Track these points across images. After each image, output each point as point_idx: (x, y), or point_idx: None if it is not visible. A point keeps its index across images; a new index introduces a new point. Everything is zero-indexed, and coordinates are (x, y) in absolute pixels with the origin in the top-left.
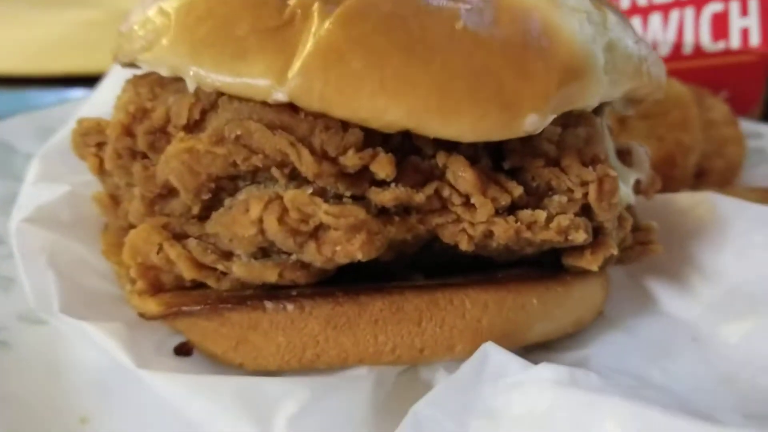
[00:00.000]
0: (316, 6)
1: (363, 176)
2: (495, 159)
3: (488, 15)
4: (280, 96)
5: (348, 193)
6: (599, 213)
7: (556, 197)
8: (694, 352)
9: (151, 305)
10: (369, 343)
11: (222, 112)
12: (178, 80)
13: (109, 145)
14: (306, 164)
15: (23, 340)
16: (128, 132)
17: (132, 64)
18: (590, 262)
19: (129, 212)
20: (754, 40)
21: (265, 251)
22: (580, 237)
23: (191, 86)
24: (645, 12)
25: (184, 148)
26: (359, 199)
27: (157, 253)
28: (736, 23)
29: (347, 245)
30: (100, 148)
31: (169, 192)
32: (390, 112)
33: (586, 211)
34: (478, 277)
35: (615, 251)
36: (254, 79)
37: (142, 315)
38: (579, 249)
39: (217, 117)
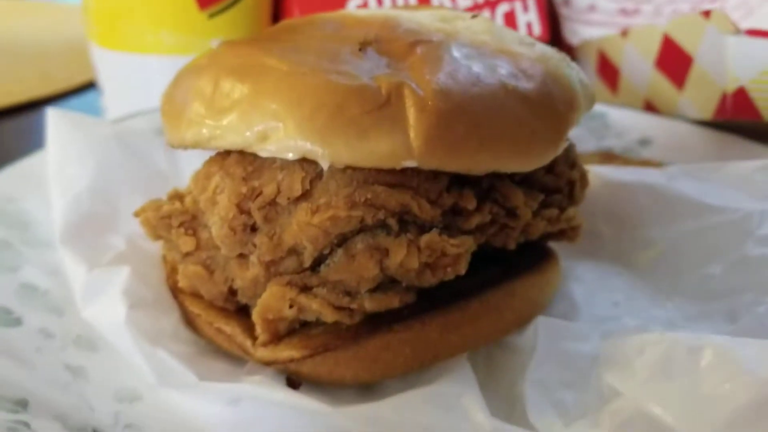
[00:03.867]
0: (405, 87)
1: (449, 210)
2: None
3: (521, 76)
4: (409, 163)
5: (440, 225)
6: (578, 201)
7: (554, 196)
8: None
9: (285, 351)
10: (469, 336)
11: (330, 180)
12: (263, 157)
13: (223, 223)
14: (425, 211)
15: None
16: (241, 210)
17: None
18: (573, 237)
19: (239, 277)
20: (536, 30)
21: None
22: (580, 221)
23: (325, 165)
24: None
25: (328, 216)
26: (446, 228)
27: (290, 306)
28: (521, 18)
29: (456, 266)
30: (187, 227)
31: (288, 254)
32: (487, 162)
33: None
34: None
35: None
36: (386, 153)
37: (269, 362)
38: (562, 231)
39: (326, 184)
